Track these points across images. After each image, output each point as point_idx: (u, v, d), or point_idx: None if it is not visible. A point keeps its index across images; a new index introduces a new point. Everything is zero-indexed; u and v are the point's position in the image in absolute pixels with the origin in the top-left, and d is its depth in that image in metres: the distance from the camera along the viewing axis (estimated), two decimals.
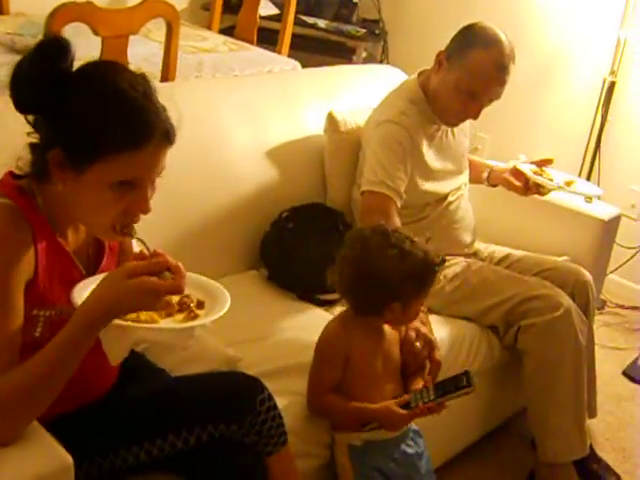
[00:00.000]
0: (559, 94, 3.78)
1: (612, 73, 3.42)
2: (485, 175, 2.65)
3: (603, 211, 2.73)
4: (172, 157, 2.21)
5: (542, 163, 2.50)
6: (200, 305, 1.44)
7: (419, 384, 1.84)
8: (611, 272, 3.47)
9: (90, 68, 1.36)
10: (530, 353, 2.27)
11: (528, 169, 2.45)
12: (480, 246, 2.63)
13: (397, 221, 2.21)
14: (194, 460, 1.53)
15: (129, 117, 1.30)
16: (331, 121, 2.57)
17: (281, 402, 1.68)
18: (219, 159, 2.37)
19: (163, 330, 1.36)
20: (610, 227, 2.74)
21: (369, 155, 2.34)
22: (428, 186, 2.41)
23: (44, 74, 1.29)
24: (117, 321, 1.28)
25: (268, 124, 2.56)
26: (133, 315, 1.32)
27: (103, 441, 1.49)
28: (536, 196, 2.49)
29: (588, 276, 2.49)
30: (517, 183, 2.48)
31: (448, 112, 2.37)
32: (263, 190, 2.47)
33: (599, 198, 2.64)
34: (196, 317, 1.40)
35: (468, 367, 2.27)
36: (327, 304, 2.29)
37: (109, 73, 1.34)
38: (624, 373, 3.14)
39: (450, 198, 2.49)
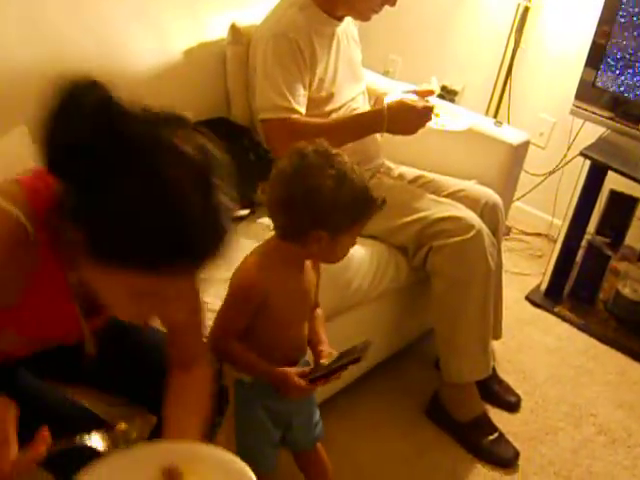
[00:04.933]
0: (473, 18, 3.73)
1: None
2: (372, 102, 2.59)
3: (512, 136, 2.71)
4: (71, 62, 2.08)
5: (424, 94, 2.41)
6: None
7: (324, 352, 1.75)
8: (517, 199, 3.50)
9: (143, 136, 1.03)
10: (440, 274, 2.26)
11: (409, 100, 2.39)
12: (390, 165, 2.58)
13: (316, 122, 2.18)
14: None
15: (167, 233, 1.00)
16: (234, 33, 2.44)
17: None
18: (118, 69, 2.21)
19: None
20: (519, 152, 2.72)
21: (261, 76, 2.23)
22: (325, 93, 2.31)
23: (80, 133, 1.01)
24: None
25: (170, 33, 2.39)
26: None
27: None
28: None
29: (498, 199, 2.48)
30: None
31: (366, 9, 2.28)
32: (166, 103, 2.33)
33: None
34: None
35: (375, 287, 2.25)
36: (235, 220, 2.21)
37: (170, 154, 1.02)
38: (527, 298, 3.20)
39: (353, 105, 2.41)
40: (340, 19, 2.35)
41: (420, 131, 2.27)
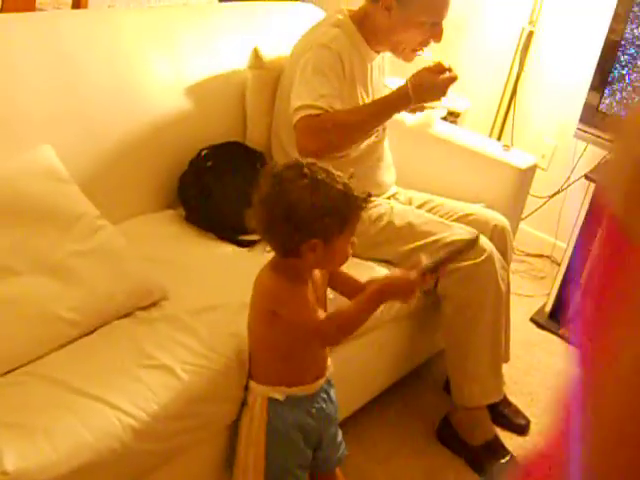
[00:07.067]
0: (477, 41, 3.76)
1: (531, 22, 3.41)
2: None
3: (520, 160, 2.74)
4: (88, 89, 2.12)
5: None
6: None
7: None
8: (521, 221, 3.52)
9: None
10: (451, 297, 2.28)
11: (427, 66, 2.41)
12: (399, 190, 2.61)
13: (342, 111, 2.18)
14: None
15: None
16: (256, 57, 2.48)
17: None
18: (137, 92, 2.26)
19: None
20: (526, 176, 2.75)
21: (298, 82, 2.21)
22: None
23: None
24: None
25: (187, 58, 2.44)
26: None
27: None
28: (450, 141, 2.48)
29: (506, 222, 2.50)
30: None
31: (408, 48, 2.32)
32: (182, 127, 2.37)
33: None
34: None
35: (387, 312, 2.25)
36: (248, 245, 2.23)
37: None
38: (532, 319, 3.22)
39: (373, 137, 2.42)
40: (378, 52, 2.38)
41: (429, 154, 2.28)
